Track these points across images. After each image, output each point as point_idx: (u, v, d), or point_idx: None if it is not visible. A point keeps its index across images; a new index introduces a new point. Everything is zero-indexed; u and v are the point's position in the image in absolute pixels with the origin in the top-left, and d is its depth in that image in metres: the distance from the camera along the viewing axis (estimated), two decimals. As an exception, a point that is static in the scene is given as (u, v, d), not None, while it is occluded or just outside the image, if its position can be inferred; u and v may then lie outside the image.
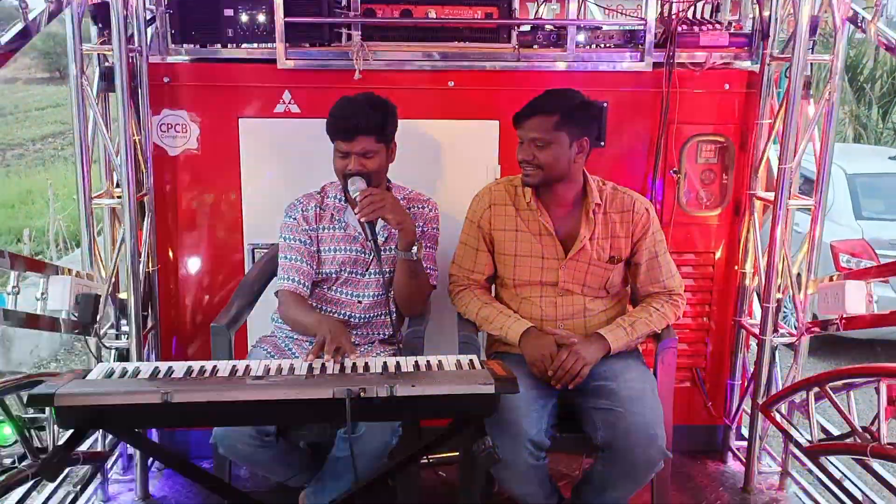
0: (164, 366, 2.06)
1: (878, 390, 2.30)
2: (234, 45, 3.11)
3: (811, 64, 3.06)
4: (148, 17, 3.06)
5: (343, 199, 2.68)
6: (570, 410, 2.54)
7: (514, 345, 2.56)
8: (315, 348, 2.16)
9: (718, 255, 3.39)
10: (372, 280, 2.69)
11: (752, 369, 3.30)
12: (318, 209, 2.69)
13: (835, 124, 3.01)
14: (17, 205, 11.87)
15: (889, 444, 2.28)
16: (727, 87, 3.24)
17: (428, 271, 2.69)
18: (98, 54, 2.93)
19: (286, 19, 3.02)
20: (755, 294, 3.34)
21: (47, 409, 2.10)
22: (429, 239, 2.73)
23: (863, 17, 2.76)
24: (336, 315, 2.68)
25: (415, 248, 2.53)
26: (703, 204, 3.35)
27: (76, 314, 2.54)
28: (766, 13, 3.13)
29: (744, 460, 3.34)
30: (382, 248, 2.62)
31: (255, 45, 3.12)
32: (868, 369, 2.43)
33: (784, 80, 3.12)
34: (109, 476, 3.13)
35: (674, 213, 3.31)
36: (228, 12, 3.08)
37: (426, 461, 3.01)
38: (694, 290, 3.37)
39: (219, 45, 3.11)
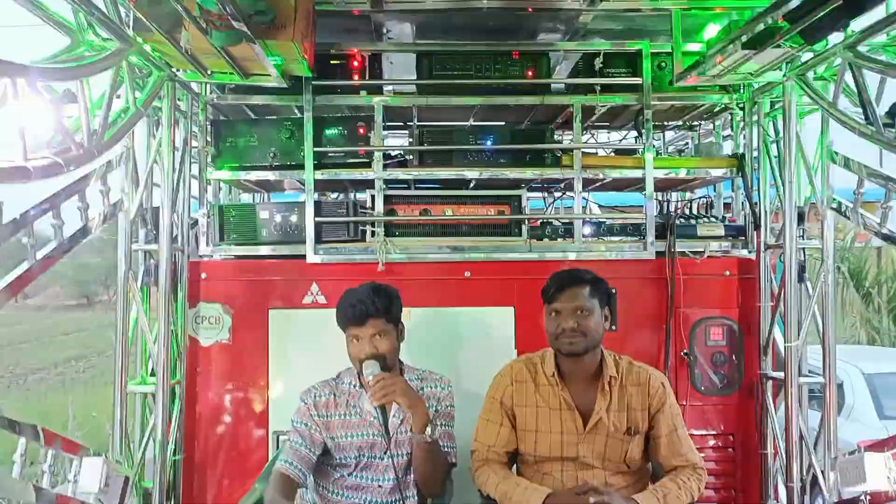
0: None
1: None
2: (268, 244, 3.39)
3: (804, 249, 3.27)
4: (191, 222, 3.38)
5: (358, 384, 2.75)
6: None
7: None
8: None
9: (737, 437, 3.40)
10: (391, 464, 2.71)
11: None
12: (332, 396, 2.76)
13: (833, 304, 3.16)
14: (34, 425, 11.74)
15: None
16: (727, 273, 3.44)
17: (446, 449, 2.72)
18: (143, 252, 3.18)
19: (316, 219, 3.32)
20: (779, 476, 3.31)
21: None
22: (444, 417, 2.78)
23: (846, 206, 3.01)
24: (359, 501, 2.69)
25: (429, 430, 2.58)
26: (717, 386, 3.42)
27: (105, 496, 2.58)
28: (755, 208, 3.40)
29: None
30: (398, 430, 2.68)
31: (287, 243, 3.39)
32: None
33: (781, 264, 3.33)
34: None
35: (688, 395, 3.38)
36: (263, 214, 3.39)
37: None
38: (717, 473, 3.35)
39: (253, 244, 3.38)
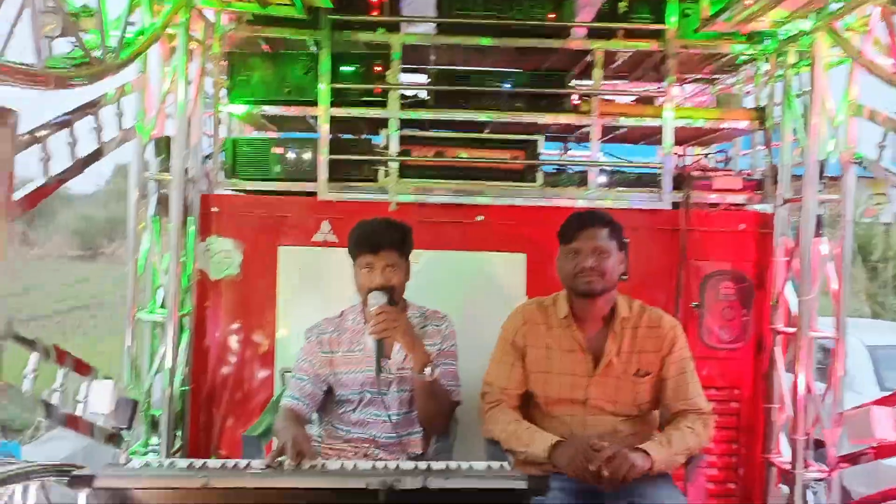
0: (198, 461, 2.09)
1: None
2: (280, 180, 3.36)
3: (825, 205, 3.23)
4: (204, 155, 3.35)
5: (362, 321, 2.73)
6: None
7: (542, 461, 2.54)
8: (274, 453, 2.15)
9: (743, 391, 3.40)
10: (395, 399, 2.72)
11: (784, 509, 3.21)
12: (336, 333, 2.75)
13: (848, 260, 3.14)
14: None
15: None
16: (742, 227, 3.41)
17: (450, 387, 2.73)
18: (155, 182, 3.16)
19: (330, 156, 3.29)
20: (783, 431, 3.32)
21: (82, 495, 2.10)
22: (447, 356, 2.76)
23: (867, 159, 2.97)
24: (365, 436, 2.70)
25: (428, 370, 2.56)
26: (725, 339, 3.41)
27: (115, 418, 2.59)
28: (774, 160, 3.36)
29: None
30: (402, 366, 2.68)
31: (300, 180, 3.36)
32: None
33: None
34: None
35: (697, 348, 3.36)
36: (277, 150, 3.36)
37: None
38: (719, 426, 3.32)
39: (266, 180, 3.35)
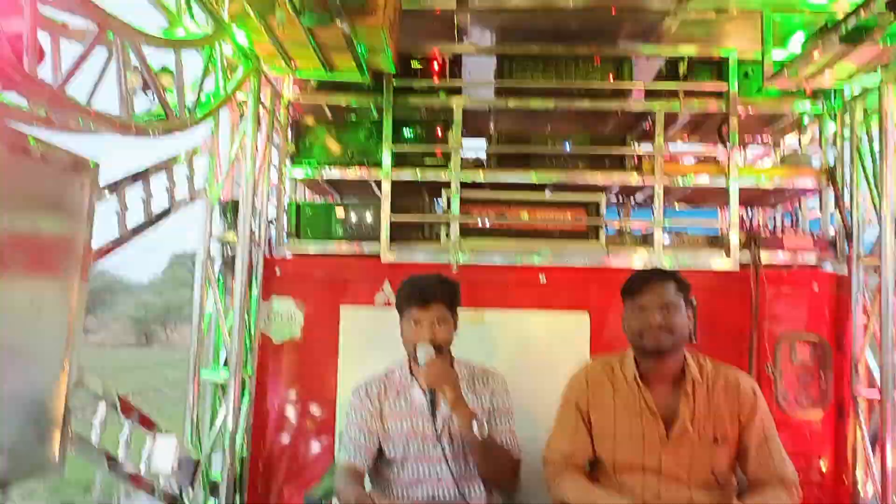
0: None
1: None
2: (343, 241, 3.38)
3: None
4: (269, 220, 3.41)
5: (409, 375, 2.71)
6: None
7: None
8: None
9: (824, 461, 3.21)
10: (442, 455, 2.62)
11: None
12: (383, 387, 2.73)
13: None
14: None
15: None
16: (816, 287, 3.29)
17: (508, 445, 2.65)
18: (221, 244, 3.21)
19: (392, 217, 3.31)
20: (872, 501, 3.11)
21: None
22: (502, 412, 2.70)
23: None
24: (421, 495, 2.62)
25: (475, 426, 2.51)
26: (804, 405, 3.25)
27: (176, 476, 2.56)
28: (847, 218, 3.26)
29: None
30: (450, 419, 2.61)
31: (362, 242, 3.39)
32: None
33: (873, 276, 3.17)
34: None
35: (773, 415, 3.21)
36: (339, 213, 3.40)
37: None
38: (802, 498, 3.15)
39: (328, 242, 3.39)
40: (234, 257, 3.11)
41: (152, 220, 2.50)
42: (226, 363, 3.12)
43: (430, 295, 2.60)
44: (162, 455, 2.53)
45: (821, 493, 3.21)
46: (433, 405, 2.55)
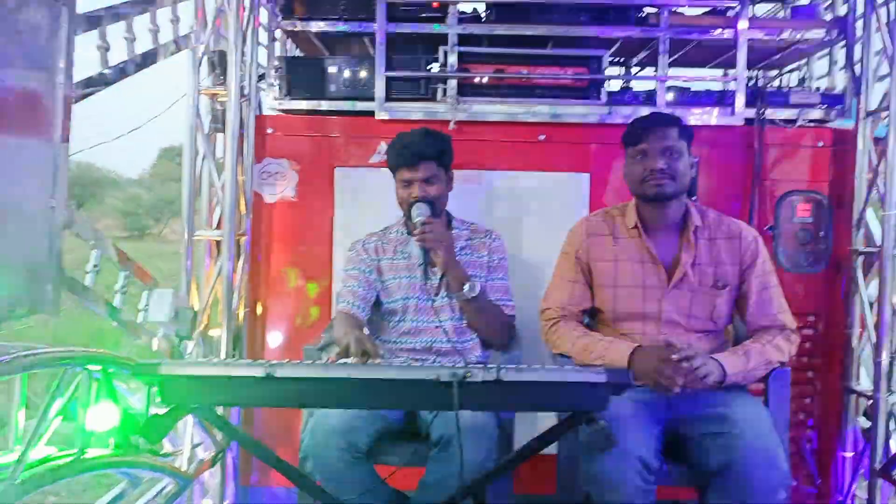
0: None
1: None
2: (336, 99, 3.27)
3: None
4: (259, 73, 3.28)
5: (405, 231, 2.71)
6: (675, 442, 2.37)
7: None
8: (339, 353, 2.11)
9: (820, 316, 3.24)
10: (445, 305, 2.65)
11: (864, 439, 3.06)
12: (379, 243, 2.74)
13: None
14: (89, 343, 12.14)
15: None
16: (821, 144, 3.22)
17: (502, 302, 2.66)
18: (210, 97, 3.09)
19: (386, 73, 3.19)
20: (864, 357, 3.15)
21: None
22: (498, 269, 2.71)
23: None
24: (420, 344, 2.64)
25: (467, 287, 2.52)
26: (803, 263, 3.25)
27: (174, 327, 2.55)
28: (856, 71, 3.16)
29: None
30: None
31: (356, 100, 3.27)
32: None
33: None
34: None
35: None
36: (332, 69, 3.27)
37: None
38: (797, 353, 3.19)
39: (321, 100, 3.27)
40: (223, 112, 3.01)
41: (137, 63, 2.38)
42: (219, 224, 3.08)
43: (418, 154, 2.56)
44: (159, 305, 2.52)
45: (816, 348, 3.25)
46: (426, 265, 2.55)
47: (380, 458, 2.42)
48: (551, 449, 2.50)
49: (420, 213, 2.54)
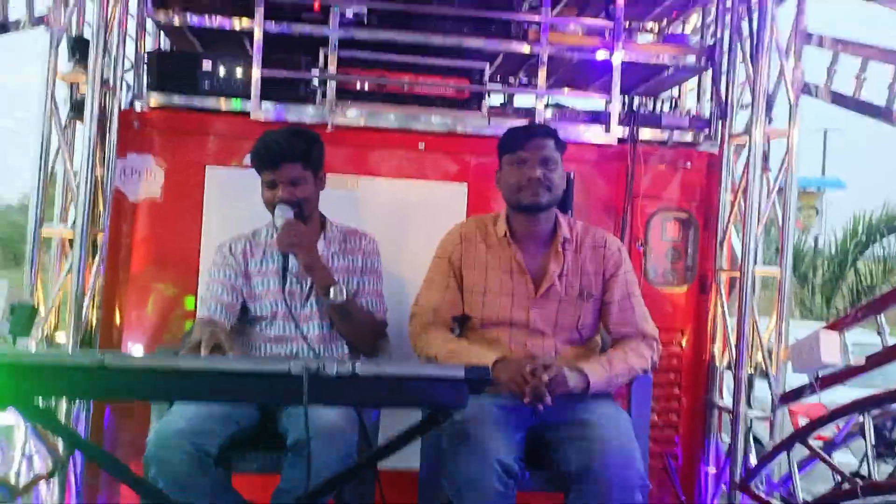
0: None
1: (862, 427, 2.19)
2: (209, 96, 3.13)
3: (769, 141, 3.18)
4: (127, 67, 3.11)
5: (274, 233, 2.58)
6: (538, 448, 2.34)
7: None
8: (190, 349, 2.02)
9: (686, 333, 3.32)
10: (314, 312, 2.56)
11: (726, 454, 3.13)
12: (248, 245, 2.61)
13: (794, 194, 3.09)
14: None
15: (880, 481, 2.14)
16: (689, 165, 3.33)
17: (373, 305, 2.60)
18: (70, 84, 2.90)
19: (263, 72, 3.09)
20: (727, 373, 3.25)
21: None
22: (371, 272, 2.64)
23: (815, 86, 2.92)
24: (284, 352, 2.53)
25: (332, 292, 2.43)
26: (671, 280, 3.33)
27: (9, 322, 2.33)
28: (723, 98, 3.30)
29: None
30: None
31: (230, 98, 3.14)
32: (845, 407, 2.32)
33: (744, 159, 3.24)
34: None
35: (641, 288, 3.27)
36: (206, 65, 3.14)
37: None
38: (662, 369, 3.25)
39: (193, 96, 3.12)
40: (82, 101, 2.82)
41: (-23, 32, 2.19)
42: (74, 222, 2.86)
43: (280, 155, 2.45)
44: (-9, 298, 2.30)
45: (681, 364, 3.32)
46: (284, 269, 2.44)
47: (234, 464, 2.29)
48: (415, 464, 2.45)
49: (282, 214, 2.44)
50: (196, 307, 3.04)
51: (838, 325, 2.71)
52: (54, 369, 1.65)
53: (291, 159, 2.46)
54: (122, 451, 2.91)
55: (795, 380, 2.98)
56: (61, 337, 2.85)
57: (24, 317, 2.37)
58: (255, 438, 2.36)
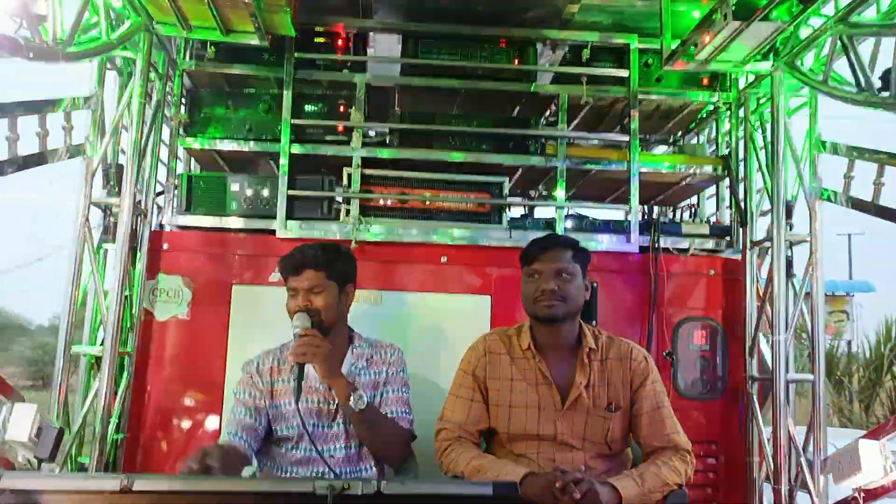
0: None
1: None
2: (237, 216, 3.23)
3: (791, 248, 3.18)
4: (158, 191, 3.23)
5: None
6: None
7: None
8: (188, 464, 1.99)
9: (720, 444, 3.22)
10: (341, 432, 2.51)
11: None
12: (276, 363, 2.58)
13: (822, 298, 3.06)
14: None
15: None
16: (712, 272, 3.33)
17: (398, 415, 2.53)
18: (103, 210, 3.00)
19: (289, 192, 3.19)
20: (766, 486, 3.12)
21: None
22: (395, 382, 2.59)
23: (834, 192, 2.94)
24: (311, 474, 2.47)
25: (353, 399, 2.38)
26: (702, 390, 3.27)
27: (34, 447, 2.31)
28: (742, 205, 3.34)
29: None
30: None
31: (257, 218, 3.24)
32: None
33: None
34: None
35: (671, 399, 3.20)
36: (234, 187, 3.24)
37: None
38: (697, 483, 3.15)
39: (221, 217, 3.22)
40: (115, 224, 2.92)
41: (19, 163, 2.29)
42: (102, 342, 2.89)
43: (301, 262, 2.46)
44: (19, 423, 2.28)
45: (717, 475, 3.21)
46: (300, 376, 2.39)
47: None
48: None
49: (299, 323, 2.40)
50: (221, 426, 3.02)
51: (877, 434, 2.61)
52: (77, 496, 1.63)
53: (314, 267, 2.46)
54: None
55: (839, 492, 2.84)
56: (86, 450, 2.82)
57: (50, 440, 2.35)
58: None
